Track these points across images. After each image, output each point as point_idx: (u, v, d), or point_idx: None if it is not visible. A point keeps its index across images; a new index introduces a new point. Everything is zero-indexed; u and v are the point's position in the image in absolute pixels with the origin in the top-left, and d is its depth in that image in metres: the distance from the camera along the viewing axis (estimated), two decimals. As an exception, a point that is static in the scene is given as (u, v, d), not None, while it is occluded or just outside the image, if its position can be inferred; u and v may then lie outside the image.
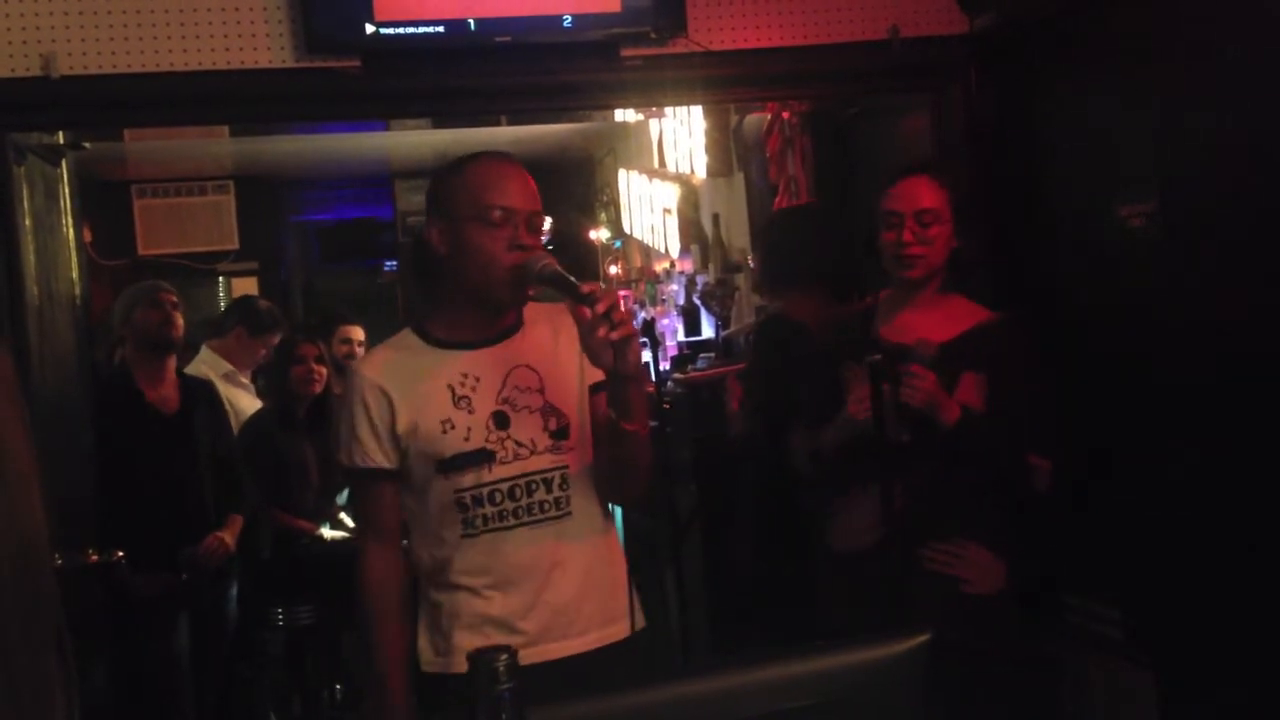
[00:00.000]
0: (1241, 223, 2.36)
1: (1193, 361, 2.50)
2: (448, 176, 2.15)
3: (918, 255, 2.44)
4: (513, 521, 2.09)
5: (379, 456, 2.13)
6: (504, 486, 2.08)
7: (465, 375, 2.11)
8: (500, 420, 2.10)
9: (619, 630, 2.16)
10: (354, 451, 2.14)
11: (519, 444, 2.09)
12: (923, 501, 2.41)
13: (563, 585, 2.12)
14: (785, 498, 3.03)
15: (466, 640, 2.05)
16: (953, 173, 2.52)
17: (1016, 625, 2.49)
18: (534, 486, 2.10)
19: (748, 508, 3.54)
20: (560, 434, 2.12)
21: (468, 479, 2.08)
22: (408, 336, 2.20)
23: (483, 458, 2.08)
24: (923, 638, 1.25)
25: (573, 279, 2.00)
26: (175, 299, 3.95)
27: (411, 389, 2.11)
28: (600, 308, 1.89)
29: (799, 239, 3.34)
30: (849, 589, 2.49)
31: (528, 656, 2.00)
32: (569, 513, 2.12)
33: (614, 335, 1.89)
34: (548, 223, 2.16)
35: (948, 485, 2.42)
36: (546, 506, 2.10)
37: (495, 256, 2.06)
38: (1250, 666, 2.39)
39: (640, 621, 2.20)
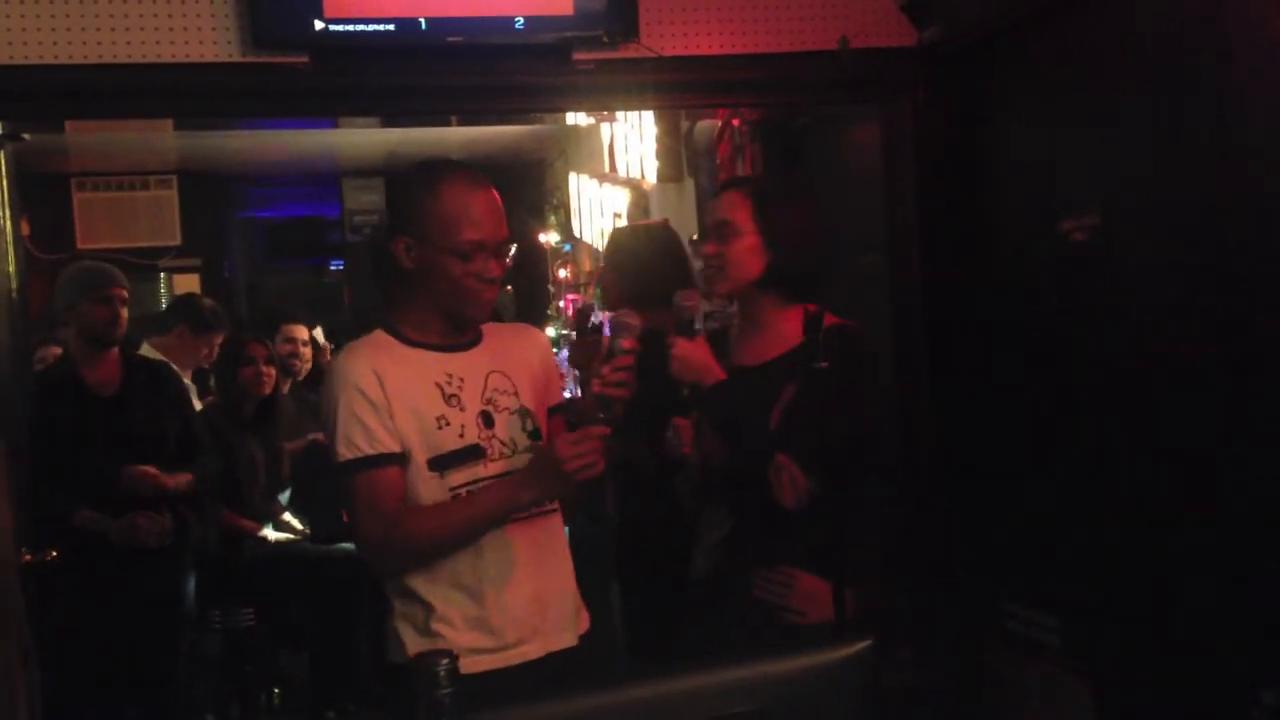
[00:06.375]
0: (1183, 236, 2.40)
1: (1133, 374, 2.54)
2: (418, 193, 2.13)
3: (715, 269, 2.40)
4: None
5: (388, 439, 2.08)
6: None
7: (450, 375, 2.14)
8: (486, 420, 2.14)
9: (585, 619, 2.26)
10: (359, 437, 2.07)
11: (503, 443, 2.15)
12: (751, 524, 2.34)
13: (553, 578, 2.19)
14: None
15: (456, 638, 2.06)
16: (774, 189, 2.48)
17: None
18: None
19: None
20: (535, 435, 2.18)
21: (461, 475, 2.10)
22: (381, 336, 2.19)
23: (476, 454, 2.11)
24: (864, 644, 1.25)
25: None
26: (125, 294, 3.85)
27: (402, 384, 2.11)
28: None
29: (650, 256, 3.45)
30: (696, 614, 2.45)
31: (525, 654, 2.10)
32: (555, 510, 2.20)
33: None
34: (513, 249, 2.20)
35: (773, 507, 2.28)
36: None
37: (463, 286, 2.10)
38: (1182, 672, 2.43)
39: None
